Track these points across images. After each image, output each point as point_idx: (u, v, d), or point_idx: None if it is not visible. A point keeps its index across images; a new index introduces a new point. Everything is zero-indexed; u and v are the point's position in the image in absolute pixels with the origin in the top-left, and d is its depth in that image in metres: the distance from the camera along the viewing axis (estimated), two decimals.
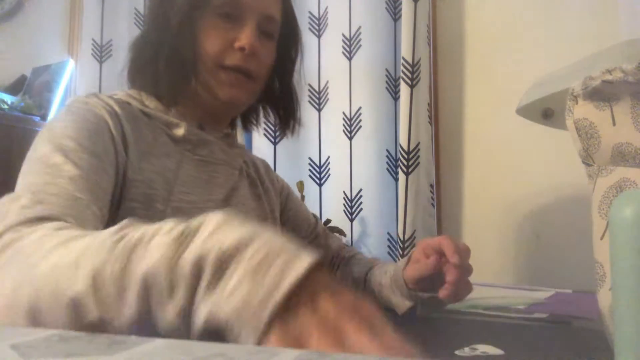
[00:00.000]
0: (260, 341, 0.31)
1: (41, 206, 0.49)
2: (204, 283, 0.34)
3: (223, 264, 0.34)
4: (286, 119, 0.84)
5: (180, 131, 0.70)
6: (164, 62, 0.69)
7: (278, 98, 0.83)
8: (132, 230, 0.39)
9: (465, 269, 0.69)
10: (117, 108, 0.65)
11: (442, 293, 0.69)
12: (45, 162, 0.55)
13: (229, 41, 0.69)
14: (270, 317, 0.31)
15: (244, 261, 0.34)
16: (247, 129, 0.88)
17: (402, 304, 0.76)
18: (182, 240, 0.36)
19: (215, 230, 0.36)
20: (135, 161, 0.64)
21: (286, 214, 0.89)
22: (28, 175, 0.55)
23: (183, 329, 0.34)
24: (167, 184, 0.66)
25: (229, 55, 0.69)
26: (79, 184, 0.54)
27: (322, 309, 0.33)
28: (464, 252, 0.69)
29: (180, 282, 0.34)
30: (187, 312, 0.34)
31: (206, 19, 0.69)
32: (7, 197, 0.51)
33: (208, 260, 0.34)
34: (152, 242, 0.37)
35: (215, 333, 0.33)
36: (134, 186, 0.62)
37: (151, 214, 0.62)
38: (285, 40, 0.79)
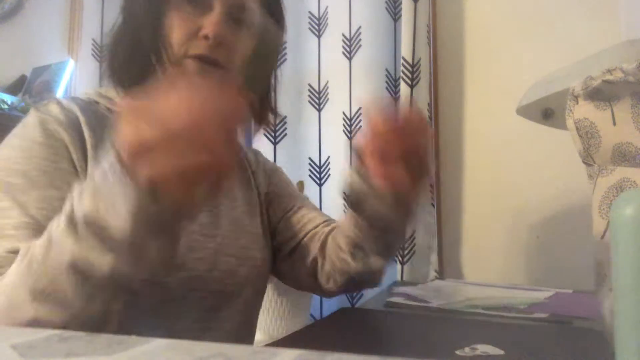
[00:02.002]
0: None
1: None
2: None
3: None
4: (262, 110, 0.80)
5: None
6: (125, 52, 0.66)
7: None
8: (32, 246, 0.46)
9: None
10: (79, 113, 0.62)
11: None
12: None
13: (194, 29, 0.65)
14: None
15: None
16: None
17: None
18: (70, 224, 0.44)
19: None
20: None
21: (270, 188, 0.83)
22: None
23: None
24: None
25: (194, 44, 0.65)
26: (24, 233, 0.52)
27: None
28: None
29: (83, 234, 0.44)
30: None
31: (171, 4, 0.65)
32: None
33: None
34: (54, 240, 0.44)
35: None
36: None
37: None
38: None
